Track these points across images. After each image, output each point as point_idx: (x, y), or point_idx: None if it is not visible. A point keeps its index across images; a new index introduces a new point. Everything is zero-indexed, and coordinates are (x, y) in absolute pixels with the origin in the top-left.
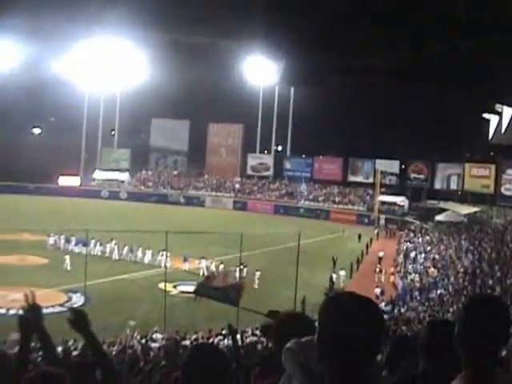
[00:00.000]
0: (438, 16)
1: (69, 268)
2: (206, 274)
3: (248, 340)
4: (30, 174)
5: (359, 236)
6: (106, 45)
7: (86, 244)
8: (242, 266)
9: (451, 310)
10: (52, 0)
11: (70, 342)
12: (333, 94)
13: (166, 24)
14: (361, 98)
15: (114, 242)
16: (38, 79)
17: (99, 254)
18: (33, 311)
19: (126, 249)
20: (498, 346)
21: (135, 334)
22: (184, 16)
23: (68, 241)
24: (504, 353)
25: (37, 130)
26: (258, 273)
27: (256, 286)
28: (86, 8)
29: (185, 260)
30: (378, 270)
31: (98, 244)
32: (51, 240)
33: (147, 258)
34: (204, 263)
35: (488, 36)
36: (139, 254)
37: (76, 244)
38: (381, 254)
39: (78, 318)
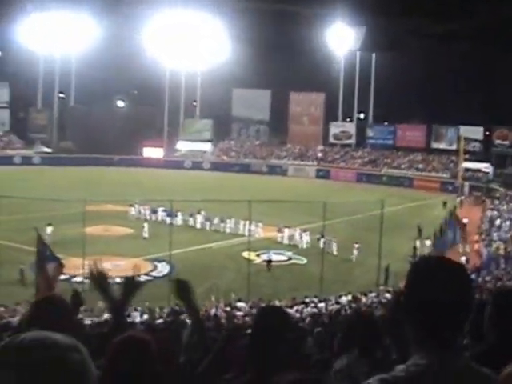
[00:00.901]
0: None
1: (146, 235)
2: (289, 242)
3: (331, 308)
4: (115, 145)
5: (444, 203)
6: (187, 18)
7: (170, 214)
8: (318, 236)
9: None
10: None
11: (157, 310)
12: (415, 59)
13: None
14: (443, 63)
15: (198, 212)
16: (121, 53)
17: (183, 223)
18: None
19: (209, 218)
20: None
21: (220, 305)
22: None
23: (154, 211)
24: None
25: (120, 103)
26: (356, 245)
27: (335, 253)
28: None
29: (271, 229)
30: (461, 245)
31: (182, 214)
32: (135, 210)
33: (231, 227)
34: (287, 232)
35: None
36: (223, 223)
37: (160, 213)
38: (465, 220)
39: (182, 288)
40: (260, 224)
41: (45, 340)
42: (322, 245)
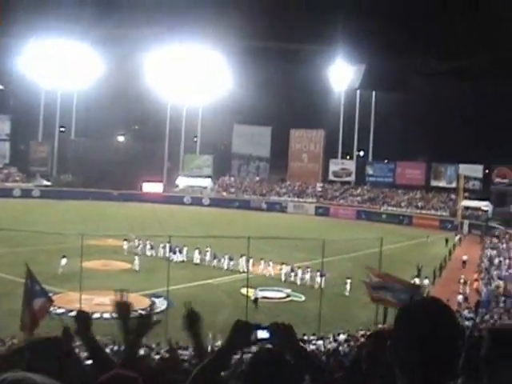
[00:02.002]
0: None
1: (137, 268)
2: (286, 279)
3: (329, 346)
4: (114, 180)
5: (446, 240)
6: (189, 53)
7: (174, 250)
8: (318, 273)
9: None
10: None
11: (153, 346)
12: (414, 98)
13: (248, 31)
14: (443, 101)
15: (196, 247)
16: (122, 87)
17: (182, 259)
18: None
19: (208, 254)
20: None
21: (216, 343)
22: (265, 22)
23: (152, 247)
24: None
25: (121, 138)
26: (348, 281)
27: (347, 294)
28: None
29: (269, 265)
30: (462, 280)
31: (180, 250)
32: (128, 244)
33: (229, 264)
34: (285, 269)
35: None
36: (221, 259)
37: (161, 249)
38: (465, 257)
39: (192, 320)
40: (260, 261)
41: (23, 380)
42: (319, 282)
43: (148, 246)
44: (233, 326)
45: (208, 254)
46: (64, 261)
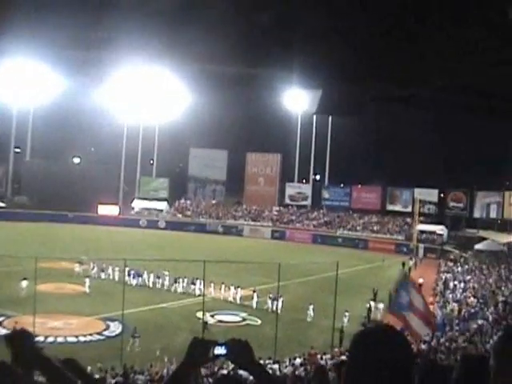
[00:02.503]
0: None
1: (87, 290)
2: (241, 303)
3: (286, 370)
4: (70, 202)
5: (403, 264)
6: (146, 75)
7: (128, 273)
8: (271, 296)
9: (491, 341)
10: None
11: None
12: (371, 123)
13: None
14: (399, 126)
15: (152, 271)
16: (79, 109)
17: (138, 282)
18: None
19: (163, 278)
20: None
21: (172, 366)
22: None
23: (102, 270)
24: None
25: (76, 160)
26: (311, 306)
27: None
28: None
29: (225, 289)
30: None
31: (136, 273)
32: (80, 267)
33: (185, 288)
34: (240, 292)
35: None
36: (177, 283)
37: (114, 272)
38: (421, 280)
39: (240, 351)
40: (216, 284)
41: None
42: (275, 306)
43: (102, 269)
44: (190, 344)
45: (163, 277)
46: (25, 283)
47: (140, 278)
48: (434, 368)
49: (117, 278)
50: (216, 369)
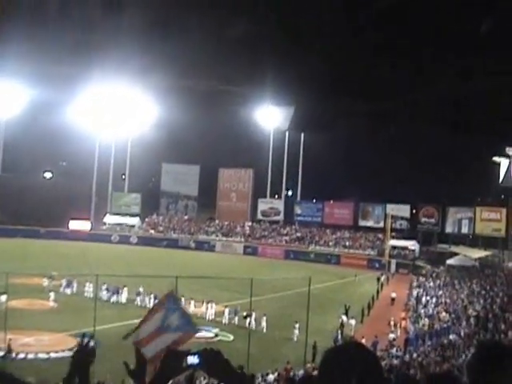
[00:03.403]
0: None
1: (51, 304)
2: (213, 318)
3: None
4: (41, 217)
5: (378, 278)
6: (118, 90)
7: (99, 288)
8: (245, 314)
9: (463, 355)
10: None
11: None
12: (343, 139)
13: (177, 70)
14: (370, 142)
15: (124, 286)
16: (50, 123)
17: (109, 298)
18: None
19: (135, 294)
20: None
21: None
22: (194, 63)
23: (68, 285)
24: None
25: (48, 174)
26: (264, 317)
27: (265, 331)
28: (99, 55)
29: (197, 305)
30: (392, 321)
31: (108, 289)
32: (49, 282)
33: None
34: (210, 308)
35: (497, 81)
36: (149, 298)
37: (85, 288)
38: (393, 294)
39: (213, 361)
40: (187, 300)
41: None
42: (248, 321)
43: (73, 285)
44: (164, 355)
45: (135, 293)
46: (4, 297)
47: (115, 295)
48: (409, 382)
49: (89, 293)
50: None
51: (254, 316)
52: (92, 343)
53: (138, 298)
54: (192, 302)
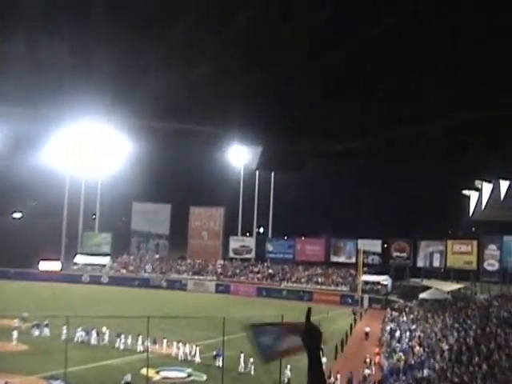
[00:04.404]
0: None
1: (14, 343)
2: (183, 358)
3: None
4: (10, 258)
5: (354, 312)
6: (87, 130)
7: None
8: (214, 353)
9: None
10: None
11: None
12: (313, 177)
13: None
14: (341, 180)
15: (95, 328)
16: (19, 162)
17: (80, 339)
18: None
19: (107, 335)
20: None
21: None
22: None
23: (37, 326)
24: None
25: (17, 214)
26: (242, 355)
27: (241, 370)
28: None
29: (169, 345)
30: (367, 359)
31: (79, 330)
32: (29, 326)
33: (129, 344)
34: (182, 348)
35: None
36: (121, 339)
37: (56, 329)
38: (367, 329)
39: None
40: (161, 340)
41: None
42: (220, 361)
43: (43, 327)
44: None
45: (107, 334)
46: None
47: (86, 336)
48: None
49: (60, 335)
50: None
51: (227, 355)
52: None
53: (109, 339)
54: (164, 341)
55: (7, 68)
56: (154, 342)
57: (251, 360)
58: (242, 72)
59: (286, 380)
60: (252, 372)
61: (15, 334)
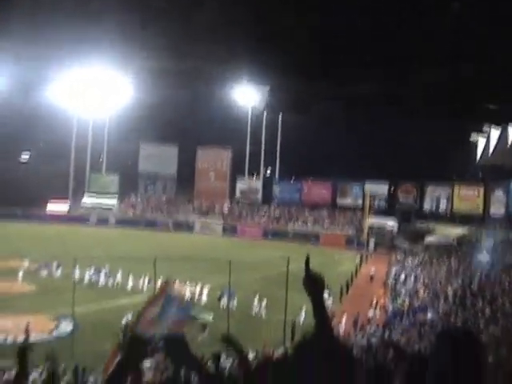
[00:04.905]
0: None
1: (22, 283)
2: (190, 299)
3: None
4: (18, 199)
5: (361, 256)
6: (96, 70)
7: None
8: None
9: None
10: (42, 27)
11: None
12: (320, 119)
13: (154, 50)
14: (349, 121)
15: (102, 268)
16: (27, 104)
17: (88, 280)
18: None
19: (114, 275)
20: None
21: None
22: (173, 43)
23: (46, 266)
24: None
25: (25, 155)
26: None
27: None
28: (75, 36)
29: (176, 285)
30: (374, 301)
31: (87, 270)
32: (37, 266)
33: (136, 284)
34: (189, 289)
35: (472, 62)
36: (128, 280)
37: (64, 270)
38: (372, 271)
39: (177, 345)
40: (158, 282)
41: None
42: (226, 302)
43: (52, 267)
44: (127, 341)
45: (114, 274)
46: None
47: (93, 276)
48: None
49: (68, 275)
50: None
51: (234, 296)
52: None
53: (116, 280)
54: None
55: (19, 9)
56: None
57: (264, 302)
58: (253, 13)
59: (300, 321)
60: (263, 314)
61: (22, 274)
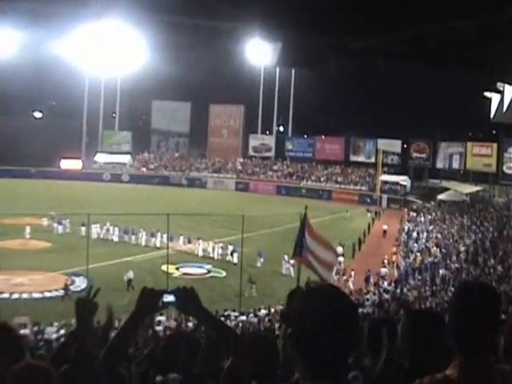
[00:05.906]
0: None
1: (28, 236)
2: (202, 255)
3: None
4: (32, 157)
5: (376, 213)
6: (107, 27)
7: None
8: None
9: (452, 289)
10: None
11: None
12: (333, 74)
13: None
14: (362, 77)
15: (116, 225)
16: (39, 63)
17: (101, 237)
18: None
19: (128, 231)
20: (490, 334)
21: None
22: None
23: (59, 223)
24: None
25: (38, 114)
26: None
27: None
28: None
29: (189, 242)
30: (385, 260)
31: (100, 227)
32: (52, 223)
33: (149, 241)
34: (202, 245)
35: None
36: (141, 236)
37: (78, 227)
38: (385, 227)
39: (188, 299)
40: (180, 237)
41: None
42: (237, 258)
43: (66, 224)
44: (140, 294)
45: (128, 231)
46: None
47: (107, 233)
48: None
49: (81, 232)
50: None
51: (245, 251)
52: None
53: (130, 236)
54: (181, 238)
55: None
56: (174, 239)
57: (286, 258)
58: None
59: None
60: (284, 271)
61: (37, 231)
